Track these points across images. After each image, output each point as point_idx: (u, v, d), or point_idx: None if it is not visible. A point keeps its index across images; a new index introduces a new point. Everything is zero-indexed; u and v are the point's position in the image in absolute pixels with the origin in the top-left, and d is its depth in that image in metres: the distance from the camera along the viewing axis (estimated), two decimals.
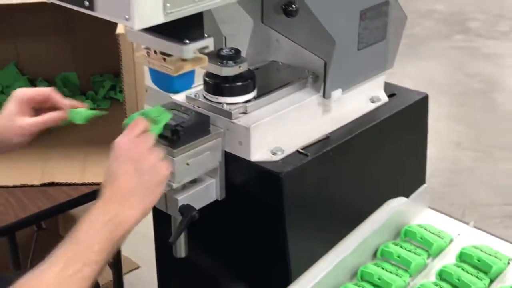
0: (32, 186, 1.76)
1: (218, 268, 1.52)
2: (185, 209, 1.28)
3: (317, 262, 1.17)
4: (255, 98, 1.37)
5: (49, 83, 2.23)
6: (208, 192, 1.35)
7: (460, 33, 4.95)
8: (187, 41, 1.16)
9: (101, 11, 1.07)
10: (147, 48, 1.23)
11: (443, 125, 3.61)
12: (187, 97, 1.40)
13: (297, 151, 1.35)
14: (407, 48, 4.03)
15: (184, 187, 1.31)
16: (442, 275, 1.14)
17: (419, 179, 1.65)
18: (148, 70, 1.28)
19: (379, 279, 1.12)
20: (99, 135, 1.60)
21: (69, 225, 1.07)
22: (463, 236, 1.24)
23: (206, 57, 1.23)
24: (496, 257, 1.16)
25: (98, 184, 1.23)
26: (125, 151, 1.11)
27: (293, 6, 1.30)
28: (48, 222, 2.26)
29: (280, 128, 1.36)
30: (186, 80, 1.25)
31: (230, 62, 1.32)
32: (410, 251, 1.18)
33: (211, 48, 1.21)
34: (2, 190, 1.74)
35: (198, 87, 1.41)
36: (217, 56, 1.32)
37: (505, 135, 3.54)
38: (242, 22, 1.44)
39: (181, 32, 1.15)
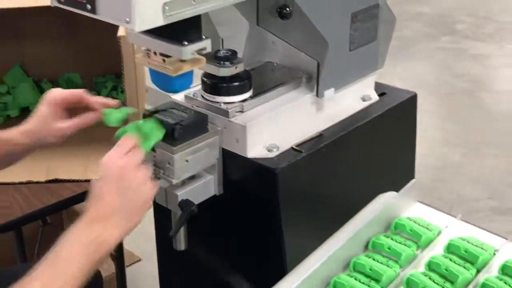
0: (37, 182, 1.76)
1: (216, 260, 1.52)
2: (185, 204, 1.28)
3: (312, 254, 1.17)
4: (251, 97, 1.37)
5: (53, 84, 2.23)
6: (207, 187, 1.35)
7: (448, 35, 4.95)
8: (186, 43, 1.16)
9: (103, 15, 1.07)
10: (147, 50, 1.23)
11: (432, 123, 3.61)
12: (186, 97, 1.40)
13: (292, 148, 1.36)
14: (396, 49, 4.05)
15: (184, 183, 1.31)
16: (431, 266, 1.15)
17: (408, 174, 1.65)
18: (148, 71, 1.28)
19: (370, 269, 1.13)
20: (100, 134, 1.59)
21: (73, 220, 1.06)
22: (451, 229, 1.25)
23: (204, 58, 1.23)
24: (482, 248, 1.17)
25: None
26: (111, 170, 1.07)
27: (288, 9, 1.30)
28: (53, 217, 2.26)
29: (275, 126, 1.36)
30: (185, 80, 1.25)
31: (227, 63, 1.32)
32: (400, 243, 1.19)
33: (209, 50, 1.21)
34: (8, 186, 1.74)
35: (196, 87, 1.41)
36: (214, 57, 1.32)
37: (490, 132, 3.55)
38: (238, 24, 1.44)
39: (180, 34, 1.15)
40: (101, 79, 2.24)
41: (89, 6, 1.07)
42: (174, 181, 1.26)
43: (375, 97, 1.56)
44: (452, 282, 1.11)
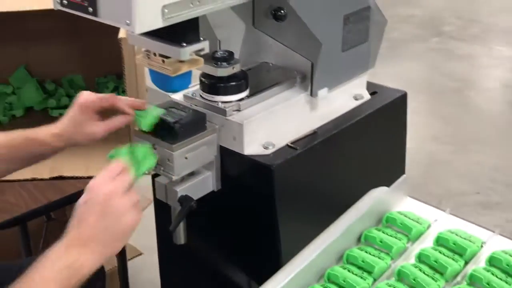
0: (42, 179, 1.75)
1: (215, 254, 1.52)
2: (184, 199, 1.28)
3: (306, 247, 1.17)
4: (247, 96, 1.37)
5: (57, 84, 2.23)
6: (205, 183, 1.35)
7: (436, 36, 4.95)
8: (184, 44, 1.16)
9: (104, 17, 1.07)
10: (147, 51, 1.23)
11: (421, 121, 3.61)
12: (185, 96, 1.40)
13: (287, 145, 1.36)
14: (387, 50, 4.05)
15: (183, 179, 1.30)
16: (421, 258, 1.15)
17: (399, 170, 1.65)
18: (148, 72, 1.28)
19: (363, 261, 1.13)
20: None
21: None
22: (440, 222, 1.25)
23: (202, 59, 1.23)
24: (470, 240, 1.17)
25: None
26: (97, 195, 1.02)
27: (282, 11, 1.30)
28: (57, 212, 2.25)
29: (271, 124, 1.36)
30: (184, 80, 1.25)
31: (224, 63, 1.32)
32: (391, 236, 1.19)
33: (207, 51, 1.21)
34: (14, 183, 1.74)
35: (194, 87, 1.40)
36: (212, 58, 1.32)
37: (478, 129, 3.55)
38: (235, 26, 1.44)
39: (179, 36, 1.15)
40: (102, 80, 2.24)
41: (90, 9, 1.07)
42: (174, 178, 1.26)
43: (367, 96, 1.56)
44: (441, 273, 1.11)
